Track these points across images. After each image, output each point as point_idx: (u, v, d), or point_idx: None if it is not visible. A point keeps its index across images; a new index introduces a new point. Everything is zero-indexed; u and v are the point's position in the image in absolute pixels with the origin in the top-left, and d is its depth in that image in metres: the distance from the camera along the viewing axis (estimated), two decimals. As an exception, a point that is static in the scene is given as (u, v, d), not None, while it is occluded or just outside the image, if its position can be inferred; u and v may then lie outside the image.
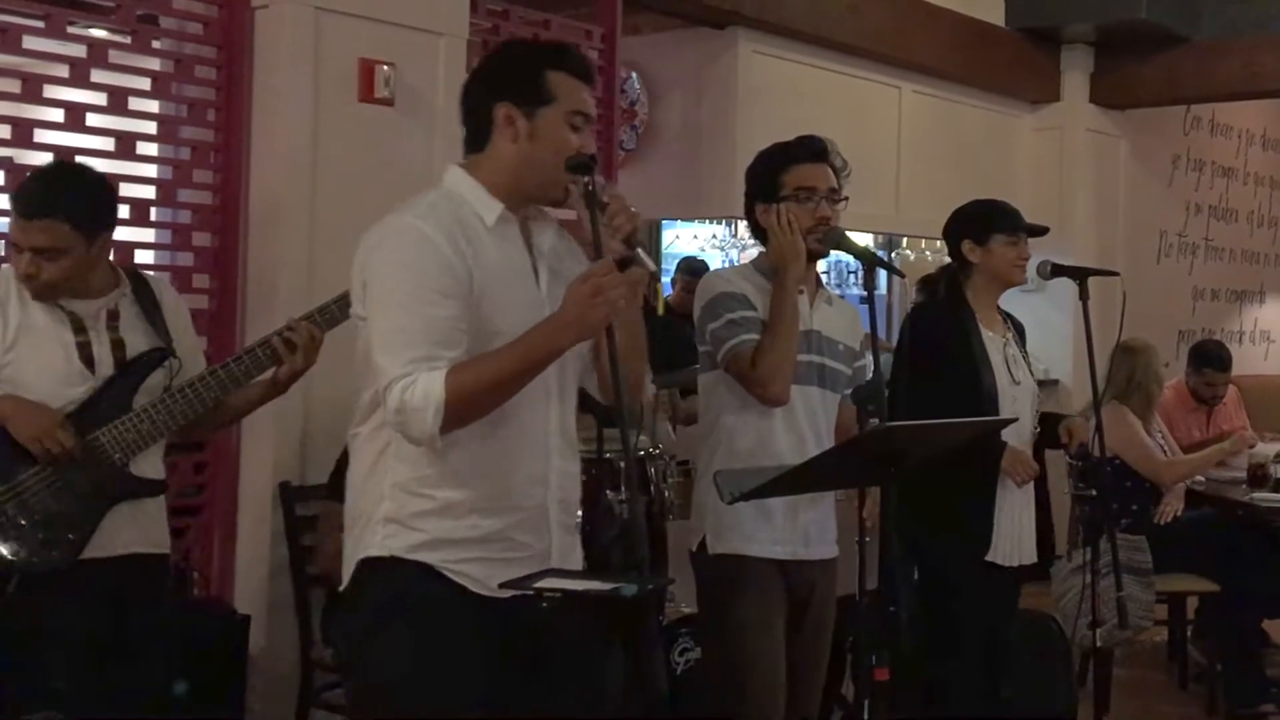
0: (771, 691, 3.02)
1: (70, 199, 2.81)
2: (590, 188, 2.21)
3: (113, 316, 2.88)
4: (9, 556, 2.74)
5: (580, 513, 2.48)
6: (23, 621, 2.74)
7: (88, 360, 2.82)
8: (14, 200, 2.83)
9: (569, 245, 2.45)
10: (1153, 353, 5.20)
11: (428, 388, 2.13)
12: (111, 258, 3.04)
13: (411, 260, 2.21)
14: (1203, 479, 5.44)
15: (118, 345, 2.86)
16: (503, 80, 2.34)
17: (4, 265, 3.02)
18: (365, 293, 2.26)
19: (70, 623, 2.76)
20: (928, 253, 7.46)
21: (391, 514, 2.27)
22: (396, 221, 2.27)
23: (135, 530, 2.87)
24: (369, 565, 2.29)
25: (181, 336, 3.00)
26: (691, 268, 6.60)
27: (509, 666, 2.28)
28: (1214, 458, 5.29)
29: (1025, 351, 3.74)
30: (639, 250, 2.28)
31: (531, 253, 2.35)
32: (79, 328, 2.83)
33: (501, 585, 2.21)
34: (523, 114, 2.29)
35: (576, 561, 2.43)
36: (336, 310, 2.98)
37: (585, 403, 3.78)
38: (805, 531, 3.08)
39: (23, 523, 2.75)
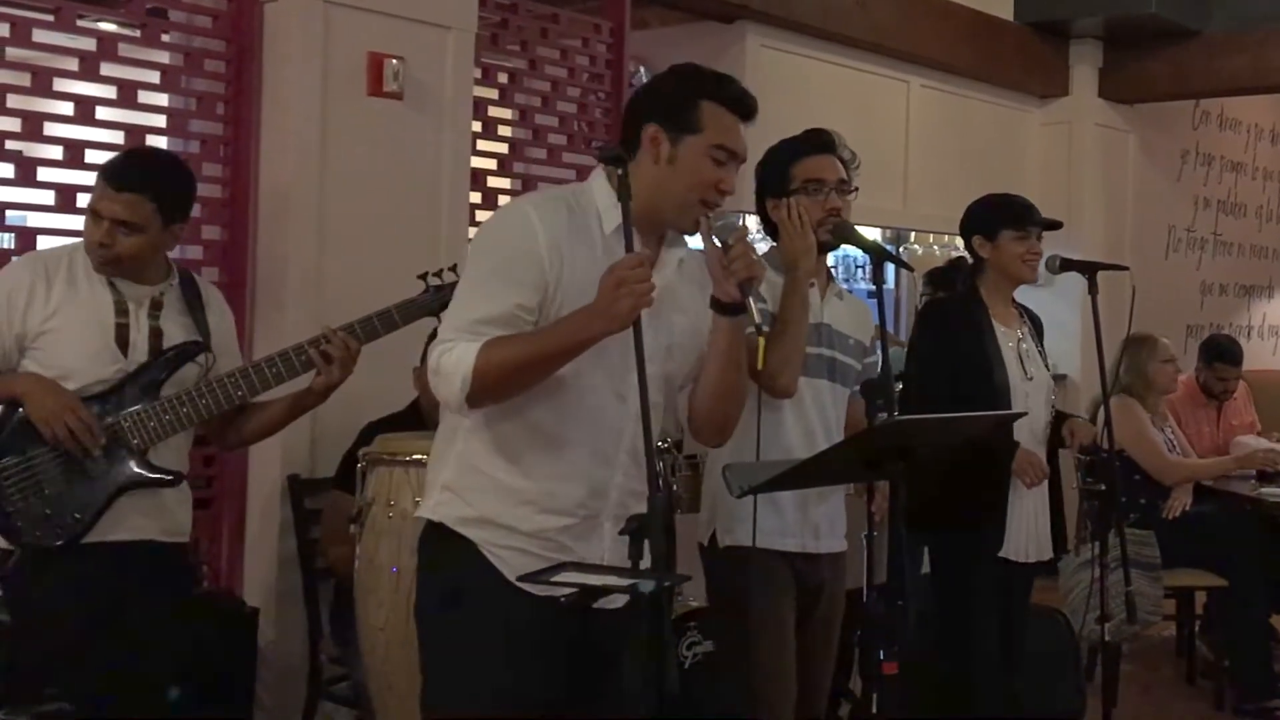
0: (782, 685, 3.02)
1: (161, 180, 2.89)
2: (624, 176, 2.22)
3: (155, 305, 2.90)
4: (11, 532, 2.76)
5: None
6: (22, 600, 2.74)
7: (123, 343, 2.84)
8: (106, 171, 2.88)
9: (695, 270, 2.46)
10: (1147, 347, 5.19)
11: (461, 356, 2.20)
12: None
13: (504, 240, 2.30)
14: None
15: (155, 334, 2.88)
16: (659, 101, 2.38)
17: (63, 244, 3.06)
18: (466, 264, 2.38)
19: (70, 605, 2.76)
20: (935, 247, 7.44)
21: (450, 482, 2.35)
22: (515, 202, 2.40)
23: (147, 517, 2.87)
24: (425, 530, 2.38)
25: (221, 338, 3.01)
26: None
27: (547, 659, 2.30)
28: (1220, 469, 5.28)
29: (1041, 346, 3.73)
30: (750, 300, 2.29)
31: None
32: (121, 310, 2.85)
33: (521, 579, 2.22)
34: (668, 138, 2.32)
35: None
36: (378, 323, 3.00)
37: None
38: (815, 525, 3.08)
39: (31, 498, 2.76)
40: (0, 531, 2.78)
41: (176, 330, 2.91)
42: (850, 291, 3.35)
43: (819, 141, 3.12)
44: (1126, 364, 5.13)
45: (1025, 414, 3.42)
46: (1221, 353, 5.88)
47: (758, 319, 2.31)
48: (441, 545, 2.34)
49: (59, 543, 2.77)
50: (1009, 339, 3.61)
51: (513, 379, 2.23)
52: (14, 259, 3.00)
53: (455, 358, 2.20)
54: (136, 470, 2.84)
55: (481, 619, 2.29)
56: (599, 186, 2.37)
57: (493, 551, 2.29)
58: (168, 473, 2.90)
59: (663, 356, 2.36)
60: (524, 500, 2.30)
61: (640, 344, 2.15)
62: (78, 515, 2.79)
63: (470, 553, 2.30)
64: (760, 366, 2.56)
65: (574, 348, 2.22)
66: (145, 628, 2.83)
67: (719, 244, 2.33)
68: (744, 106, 2.38)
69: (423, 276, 3.10)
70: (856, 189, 3.13)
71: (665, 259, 2.39)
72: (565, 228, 2.29)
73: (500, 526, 2.30)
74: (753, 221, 3.40)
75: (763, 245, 3.65)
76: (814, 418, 3.06)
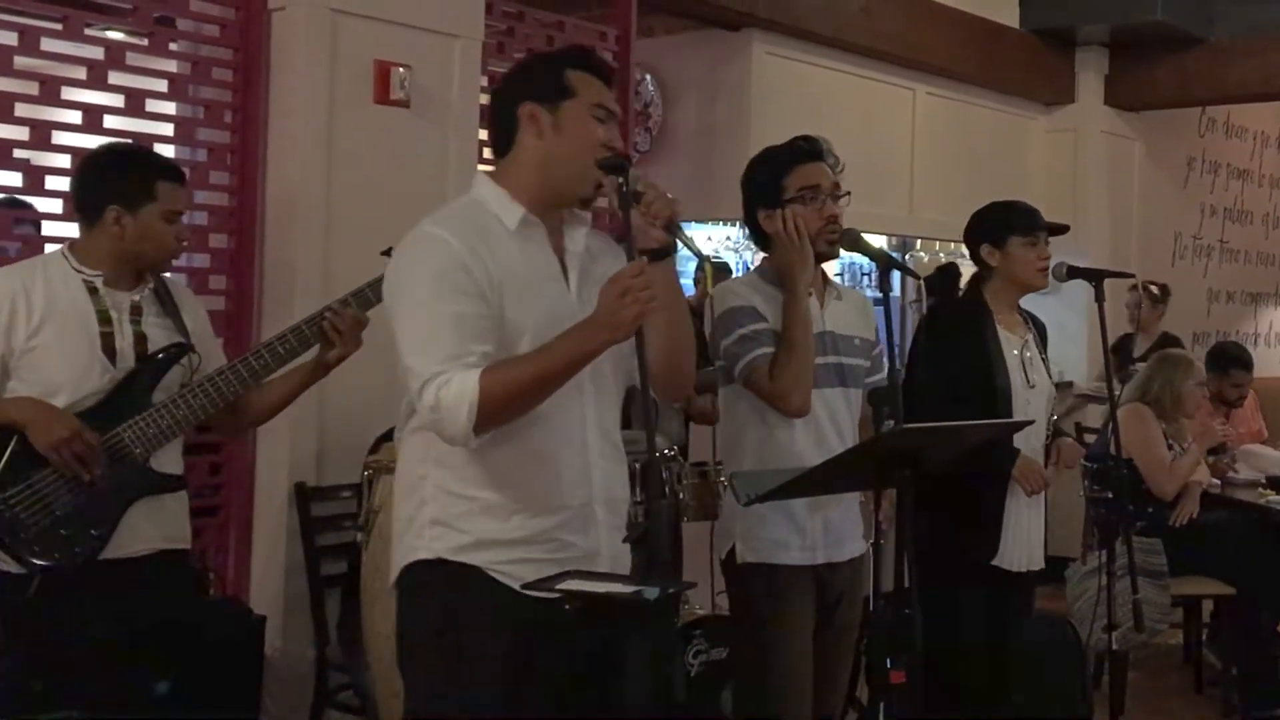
0: (800, 704, 3.01)
1: None
2: (625, 188, 2.22)
3: (136, 310, 2.89)
4: (31, 557, 2.74)
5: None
6: (45, 623, 2.74)
7: (110, 351, 2.83)
8: (167, 170, 2.93)
9: (604, 245, 2.47)
10: (1182, 367, 5.17)
11: (462, 386, 2.15)
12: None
13: (429, 263, 2.25)
14: (1218, 482, 5.42)
15: (140, 339, 2.87)
16: (524, 83, 2.39)
17: (33, 258, 3.08)
18: (393, 304, 2.30)
19: (93, 623, 2.75)
20: (941, 254, 7.43)
21: (437, 516, 2.30)
22: (414, 232, 2.32)
23: (156, 527, 2.88)
24: (419, 568, 2.32)
25: (201, 337, 3.02)
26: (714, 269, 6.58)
27: (561, 667, 2.29)
28: (1194, 459, 5.23)
29: (1045, 353, 3.72)
30: (678, 234, 2.30)
31: (562, 255, 2.37)
32: (104, 319, 2.84)
33: (525, 586, 2.22)
34: (545, 109, 2.33)
35: (627, 565, 2.43)
36: (354, 302, 3.02)
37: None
38: (833, 532, 3.05)
39: (44, 521, 2.74)
40: (18, 559, 2.75)
41: (159, 334, 2.91)
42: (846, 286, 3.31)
43: (810, 149, 3.09)
44: (1162, 380, 5.12)
45: (1032, 422, 3.41)
46: (1233, 360, 5.88)
47: (696, 248, 2.37)
48: (440, 574, 2.29)
49: (80, 562, 2.76)
50: (1012, 346, 3.60)
51: (519, 401, 2.21)
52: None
53: (455, 390, 2.15)
54: (143, 480, 2.84)
55: (498, 636, 2.26)
56: (486, 190, 2.37)
57: (499, 570, 2.27)
58: (174, 477, 2.90)
59: None
60: (514, 510, 2.28)
61: (643, 350, 2.17)
62: (94, 532, 2.78)
63: (476, 576, 2.27)
64: (709, 289, 2.53)
65: (580, 360, 2.21)
66: (154, 635, 2.83)
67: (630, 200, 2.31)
68: (604, 70, 2.41)
69: (385, 252, 3.13)
70: (849, 193, 3.11)
71: (572, 238, 2.38)
72: (474, 235, 2.27)
73: (499, 544, 2.27)
74: (737, 233, 3.40)
75: (752, 256, 3.65)
76: (827, 427, 3.04)
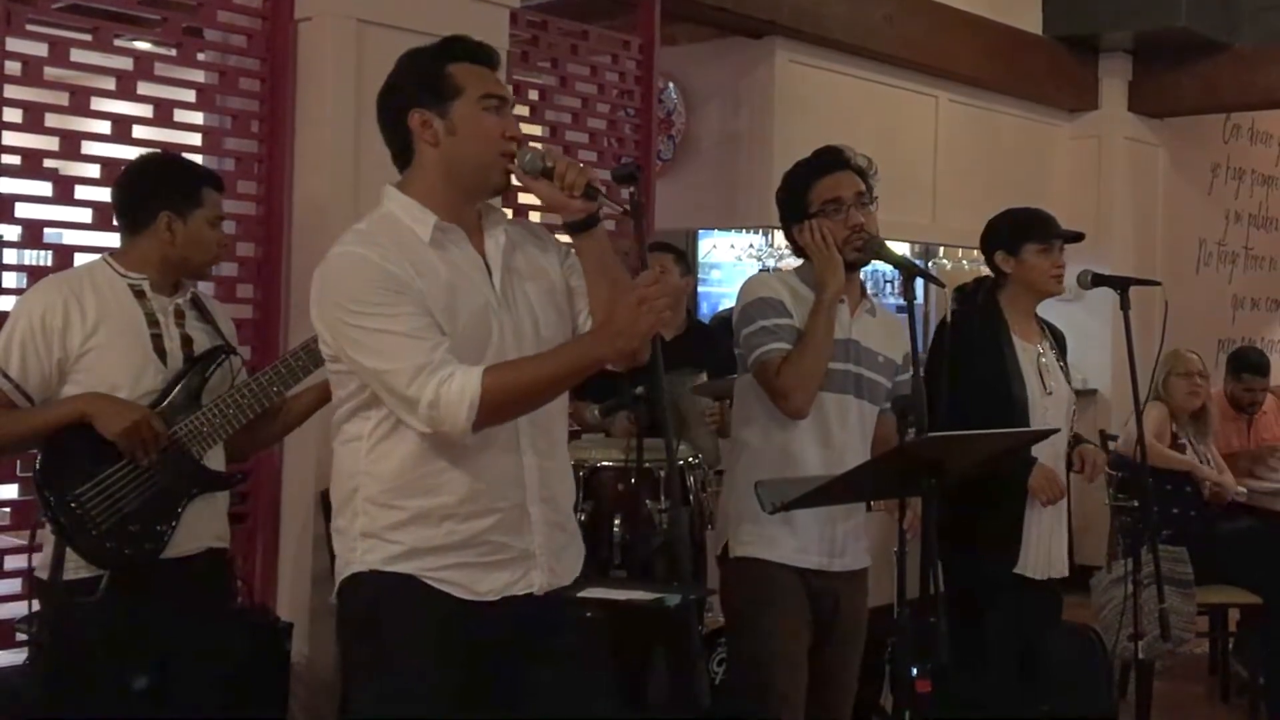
0: (791, 688, 3.01)
1: None
2: (636, 197, 2.23)
3: (179, 314, 2.95)
4: (104, 552, 2.77)
5: (584, 510, 2.45)
6: (115, 622, 2.77)
7: (160, 353, 2.88)
8: (210, 177, 3.03)
9: (525, 233, 2.45)
10: (1170, 360, 5.18)
11: (464, 383, 2.15)
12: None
13: (365, 278, 2.23)
14: (1244, 490, 5.40)
15: (186, 341, 2.93)
16: (407, 89, 2.36)
17: (75, 267, 3.12)
18: (333, 336, 2.27)
19: (160, 621, 2.80)
20: (965, 262, 7.42)
21: (367, 529, 2.30)
22: (334, 254, 2.30)
23: (208, 525, 2.93)
24: (352, 582, 2.32)
25: (234, 343, 3.07)
26: None
27: (497, 671, 2.30)
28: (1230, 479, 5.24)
29: (1065, 362, 3.71)
30: (600, 196, 2.29)
31: (484, 254, 2.35)
32: (152, 321, 2.89)
33: (545, 594, 2.23)
34: (436, 114, 2.31)
35: (574, 558, 2.43)
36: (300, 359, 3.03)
37: (627, 406, 3.80)
38: (830, 543, 3.06)
39: (114, 518, 2.78)
40: (92, 557, 2.78)
41: (203, 337, 2.97)
42: (885, 307, 3.33)
43: (831, 160, 3.11)
44: (1160, 374, 5.14)
45: (1058, 430, 3.41)
46: (1248, 364, 5.87)
47: (617, 209, 2.36)
48: (374, 586, 2.29)
49: (147, 558, 2.80)
50: (1029, 353, 3.60)
51: (521, 404, 2.23)
52: (33, 286, 2.99)
53: (458, 387, 2.14)
54: (200, 476, 2.89)
55: (435, 644, 2.26)
56: (396, 204, 2.35)
57: (433, 577, 2.26)
58: (226, 475, 2.97)
59: (535, 330, 2.34)
60: (445, 516, 2.26)
61: (658, 360, 2.19)
62: (160, 527, 2.82)
63: (412, 585, 2.26)
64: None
65: (590, 367, 2.23)
66: (192, 638, 2.87)
67: (542, 178, 2.31)
68: (485, 54, 2.37)
69: None
70: (876, 198, 3.12)
71: (491, 235, 2.37)
72: (392, 249, 2.26)
73: (431, 551, 2.26)
74: (778, 236, 3.39)
75: (790, 260, 3.66)
76: (836, 432, 3.05)
